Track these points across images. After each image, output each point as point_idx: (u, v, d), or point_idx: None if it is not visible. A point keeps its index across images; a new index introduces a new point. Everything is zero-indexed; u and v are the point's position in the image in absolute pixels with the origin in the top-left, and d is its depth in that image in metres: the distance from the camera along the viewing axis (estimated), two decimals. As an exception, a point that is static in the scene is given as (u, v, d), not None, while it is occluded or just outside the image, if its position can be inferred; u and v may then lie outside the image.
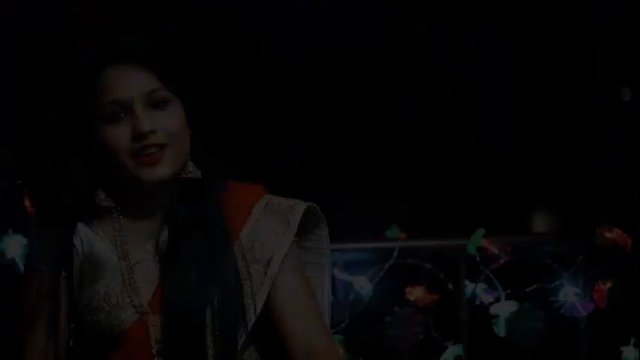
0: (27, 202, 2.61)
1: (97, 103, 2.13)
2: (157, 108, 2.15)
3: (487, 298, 3.22)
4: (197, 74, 2.23)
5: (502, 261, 3.16)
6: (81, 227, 2.21)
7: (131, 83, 2.12)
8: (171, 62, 2.18)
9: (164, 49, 2.19)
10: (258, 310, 2.18)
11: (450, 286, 3.20)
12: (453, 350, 3.19)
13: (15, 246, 2.71)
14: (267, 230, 2.23)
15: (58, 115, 2.22)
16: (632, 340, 3.16)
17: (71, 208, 2.19)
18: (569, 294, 3.14)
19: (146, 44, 2.17)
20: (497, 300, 3.20)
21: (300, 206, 2.25)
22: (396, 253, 3.16)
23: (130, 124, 2.12)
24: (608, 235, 3.11)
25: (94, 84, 2.13)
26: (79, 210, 2.20)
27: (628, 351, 3.16)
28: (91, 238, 2.21)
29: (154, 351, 2.14)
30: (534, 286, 3.17)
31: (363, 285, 3.16)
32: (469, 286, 3.22)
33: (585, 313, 3.14)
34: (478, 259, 3.18)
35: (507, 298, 3.19)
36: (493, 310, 3.18)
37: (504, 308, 3.17)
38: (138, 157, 2.12)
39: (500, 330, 3.17)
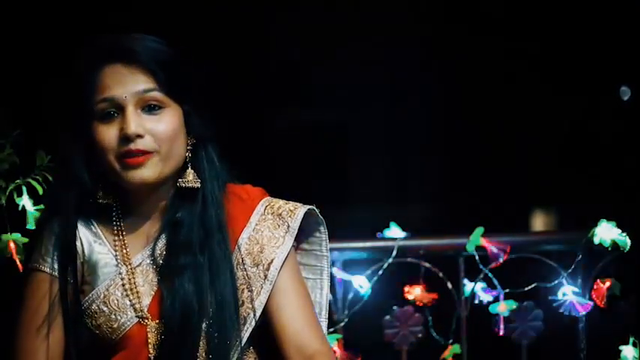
0: (26, 201, 2.61)
1: (91, 100, 2.13)
2: (149, 112, 2.14)
3: (486, 297, 3.22)
4: (198, 77, 2.22)
5: (501, 260, 3.16)
6: (81, 230, 2.20)
7: (125, 82, 2.12)
8: (171, 64, 2.17)
9: (164, 50, 2.18)
10: (258, 316, 2.18)
11: (449, 285, 3.19)
12: (452, 349, 3.19)
13: (14, 245, 2.70)
14: (267, 234, 2.23)
15: (57, 112, 2.23)
16: (631, 340, 3.16)
17: (72, 205, 2.19)
18: (567, 293, 3.14)
19: (145, 44, 2.16)
20: (497, 299, 3.20)
21: (301, 210, 2.25)
22: (395, 252, 3.16)
23: (120, 124, 2.12)
24: (606, 234, 3.11)
25: (91, 81, 2.13)
26: (80, 208, 2.20)
27: (627, 350, 3.16)
28: (91, 241, 2.21)
29: (151, 356, 2.15)
30: (533, 285, 3.17)
31: (362, 284, 3.16)
32: (468, 285, 3.21)
33: (584, 312, 3.14)
34: (477, 257, 3.18)
35: (506, 297, 3.19)
36: (492, 309, 3.18)
37: (503, 307, 3.17)
38: (123, 158, 2.12)
39: (500, 329, 3.17)
